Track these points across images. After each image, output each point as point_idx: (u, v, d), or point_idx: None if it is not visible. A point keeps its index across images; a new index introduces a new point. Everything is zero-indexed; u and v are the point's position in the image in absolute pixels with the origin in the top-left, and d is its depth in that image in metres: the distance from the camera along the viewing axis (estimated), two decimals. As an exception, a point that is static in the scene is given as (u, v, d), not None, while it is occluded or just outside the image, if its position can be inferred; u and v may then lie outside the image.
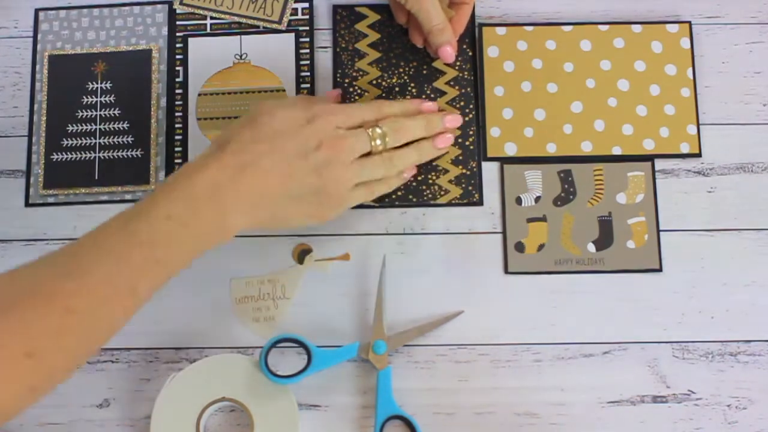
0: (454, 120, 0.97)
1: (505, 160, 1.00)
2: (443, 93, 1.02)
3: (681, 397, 0.94)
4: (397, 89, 1.03)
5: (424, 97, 1.02)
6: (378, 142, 0.89)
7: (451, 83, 1.03)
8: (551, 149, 1.00)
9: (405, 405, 0.93)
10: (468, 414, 0.93)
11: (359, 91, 1.04)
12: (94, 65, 1.05)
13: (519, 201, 0.99)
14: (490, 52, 1.04)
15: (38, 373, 0.71)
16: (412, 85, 1.03)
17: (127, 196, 1.02)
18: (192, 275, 0.96)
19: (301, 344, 0.93)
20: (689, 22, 1.04)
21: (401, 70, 1.03)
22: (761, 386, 0.95)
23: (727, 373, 0.95)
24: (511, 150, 1.01)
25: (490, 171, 1.01)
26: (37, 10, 1.07)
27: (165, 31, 1.06)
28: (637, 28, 1.04)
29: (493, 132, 1.01)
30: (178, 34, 1.06)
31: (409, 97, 1.02)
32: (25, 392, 0.71)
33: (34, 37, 1.06)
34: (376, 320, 0.94)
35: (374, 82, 1.04)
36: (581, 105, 1.01)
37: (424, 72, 1.03)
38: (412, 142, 0.93)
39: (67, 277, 0.73)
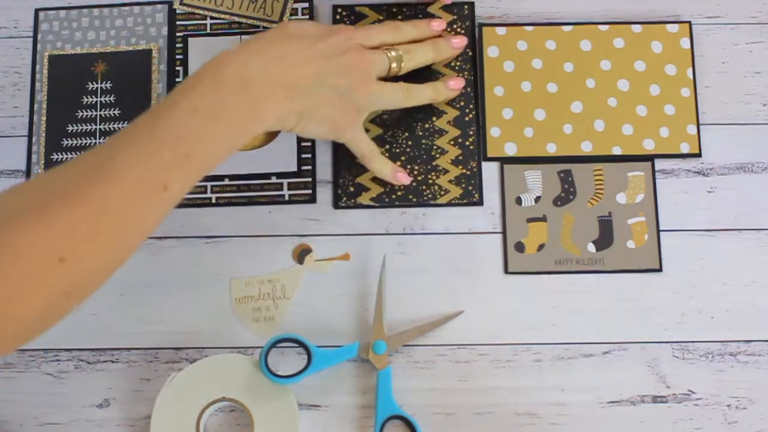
0: (460, 41, 1.01)
1: (505, 160, 1.00)
2: None
3: (681, 397, 0.94)
4: None
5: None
6: (395, 64, 0.93)
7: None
8: (551, 149, 1.00)
9: (405, 405, 0.93)
10: (468, 414, 0.93)
11: None
12: (94, 65, 1.05)
13: (519, 201, 0.99)
14: (490, 52, 1.04)
15: (73, 278, 0.70)
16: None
17: None
18: (192, 275, 0.98)
19: (301, 344, 0.93)
20: (689, 22, 1.04)
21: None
22: (761, 386, 0.94)
23: (727, 373, 0.95)
24: (511, 150, 1.01)
25: (490, 171, 1.01)
26: (37, 10, 1.07)
27: (165, 31, 1.06)
28: (637, 28, 1.04)
29: (493, 132, 1.01)
30: (178, 34, 1.06)
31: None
32: (59, 298, 0.70)
33: (34, 37, 1.06)
34: (375, 320, 0.94)
35: None
36: (581, 105, 1.01)
37: (424, 73, 1.03)
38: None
39: (99, 178, 0.72)
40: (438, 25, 1.00)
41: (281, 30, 0.87)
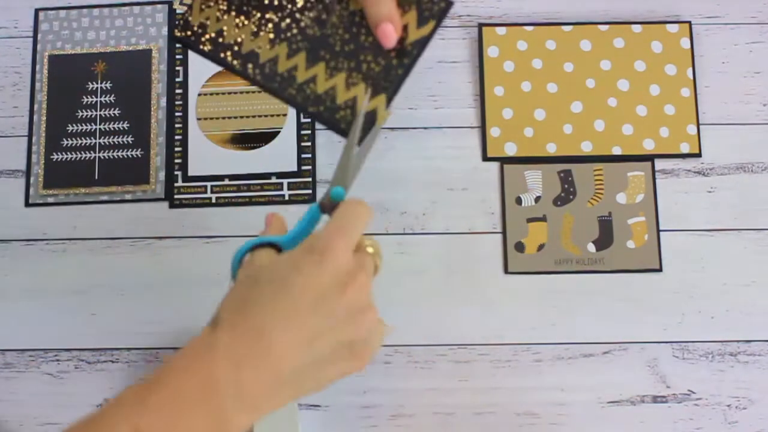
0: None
1: (505, 160, 1.01)
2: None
3: (681, 397, 0.94)
4: None
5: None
6: (378, 260, 0.75)
7: None
8: (551, 149, 1.01)
9: (405, 404, 0.94)
10: (468, 414, 0.94)
11: None
12: (94, 65, 1.05)
13: (519, 201, 0.99)
14: (490, 52, 1.04)
15: None
16: None
17: (127, 196, 1.02)
18: (192, 275, 0.98)
19: (274, 247, 0.72)
20: (689, 22, 1.04)
21: None
22: (761, 386, 0.95)
23: (727, 373, 0.95)
24: (511, 150, 1.01)
25: (490, 171, 1.01)
26: (37, 10, 1.07)
27: (165, 31, 1.06)
28: (637, 28, 1.04)
29: (493, 132, 1.01)
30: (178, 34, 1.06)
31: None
32: None
33: (34, 37, 1.06)
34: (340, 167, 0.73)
35: None
36: (581, 105, 1.02)
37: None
38: None
39: None
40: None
41: (304, 288, 0.62)
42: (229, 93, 1.04)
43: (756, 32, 1.05)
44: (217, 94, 1.04)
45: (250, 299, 0.61)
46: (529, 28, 1.04)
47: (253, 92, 1.04)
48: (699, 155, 1.01)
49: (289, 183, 1.01)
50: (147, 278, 0.99)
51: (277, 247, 0.69)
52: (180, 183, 1.02)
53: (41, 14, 1.07)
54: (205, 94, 1.04)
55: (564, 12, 1.06)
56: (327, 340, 0.64)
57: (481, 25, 1.05)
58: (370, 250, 0.72)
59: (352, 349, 0.68)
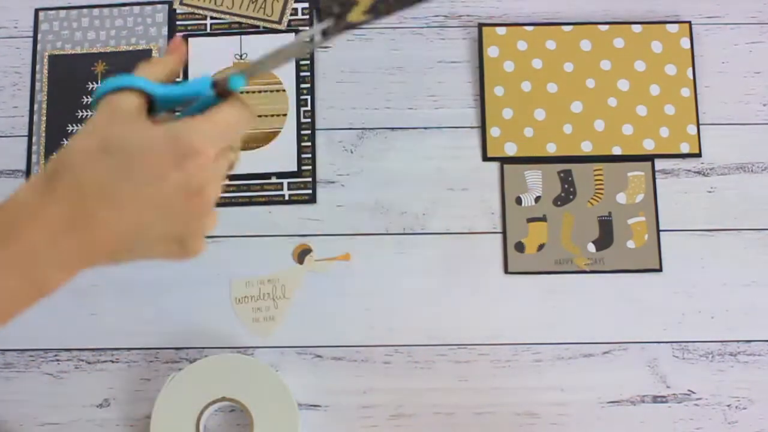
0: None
1: (505, 160, 1.01)
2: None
3: (681, 397, 0.94)
4: None
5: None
6: (234, 156, 0.66)
7: None
8: (551, 149, 1.01)
9: (405, 404, 0.94)
10: (468, 414, 0.94)
11: None
12: (94, 65, 1.05)
13: (519, 201, 0.99)
14: (490, 52, 1.04)
15: None
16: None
17: None
18: (192, 275, 0.98)
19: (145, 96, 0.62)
20: (689, 22, 1.04)
21: None
22: (761, 386, 0.95)
23: (727, 373, 0.95)
24: (511, 150, 1.01)
25: (490, 171, 1.01)
26: (37, 10, 1.07)
27: (165, 31, 1.06)
28: (637, 28, 1.04)
29: (493, 132, 1.01)
30: (178, 34, 1.06)
31: None
32: None
33: (34, 37, 1.06)
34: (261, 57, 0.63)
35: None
36: (581, 105, 1.02)
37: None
38: None
39: None
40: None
41: (104, 155, 0.57)
42: None
43: (756, 32, 1.05)
44: None
45: (91, 167, 0.57)
46: (529, 28, 1.04)
47: (252, 92, 1.04)
48: (699, 155, 1.01)
49: (289, 183, 1.01)
50: (147, 278, 0.99)
51: (147, 97, 0.61)
52: None
53: (41, 14, 1.07)
54: None
55: (564, 12, 1.06)
56: (156, 234, 0.61)
57: (481, 25, 1.05)
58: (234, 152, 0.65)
59: (182, 244, 0.63)
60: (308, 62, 1.05)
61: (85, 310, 0.98)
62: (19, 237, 0.56)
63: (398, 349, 0.95)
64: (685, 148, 1.01)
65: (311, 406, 0.94)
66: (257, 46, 1.05)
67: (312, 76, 1.05)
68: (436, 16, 1.06)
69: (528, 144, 1.01)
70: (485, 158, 1.01)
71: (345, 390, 0.95)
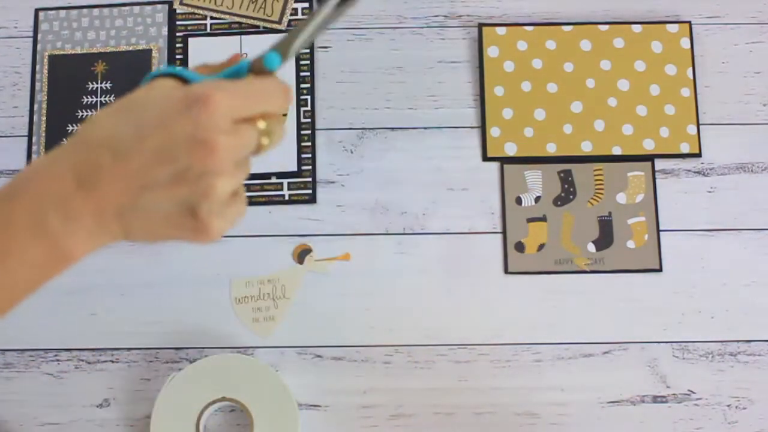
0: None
1: (505, 160, 1.01)
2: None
3: (681, 397, 0.94)
4: None
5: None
6: (265, 140, 0.62)
7: None
8: (551, 149, 1.01)
9: (405, 404, 0.94)
10: (468, 414, 0.94)
11: None
12: (94, 65, 1.05)
13: (519, 201, 0.99)
14: (490, 52, 1.04)
15: None
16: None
17: None
18: (192, 275, 0.99)
19: (179, 78, 0.61)
20: (689, 22, 1.05)
21: None
22: (761, 386, 0.95)
23: (727, 373, 0.95)
24: (511, 150, 1.01)
25: (490, 171, 1.01)
26: (37, 10, 1.07)
27: (165, 31, 1.07)
28: (637, 28, 1.04)
29: (493, 132, 1.02)
30: (178, 34, 1.07)
31: None
32: None
33: (34, 37, 1.07)
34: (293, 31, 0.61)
35: None
36: (581, 105, 1.02)
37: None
38: None
39: None
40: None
41: (121, 113, 0.57)
42: None
43: (756, 32, 1.06)
44: None
45: (101, 122, 0.57)
46: (529, 28, 1.05)
47: None
48: (699, 155, 1.01)
49: (289, 183, 1.01)
50: (147, 278, 0.99)
51: (185, 81, 0.60)
52: None
53: (41, 14, 1.07)
54: None
55: (564, 12, 1.06)
56: (162, 193, 0.57)
57: (481, 25, 1.05)
58: (261, 125, 0.61)
59: (195, 215, 0.58)
60: (308, 62, 1.05)
61: (85, 310, 0.98)
62: (32, 196, 0.55)
63: (398, 349, 0.96)
64: (685, 148, 1.01)
65: (311, 406, 0.94)
66: (257, 46, 1.05)
67: (312, 76, 1.05)
68: (436, 16, 1.07)
69: (528, 144, 1.01)
70: (485, 158, 1.01)
71: (345, 390, 0.95)
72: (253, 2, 1.06)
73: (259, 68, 0.59)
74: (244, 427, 0.94)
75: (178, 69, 0.59)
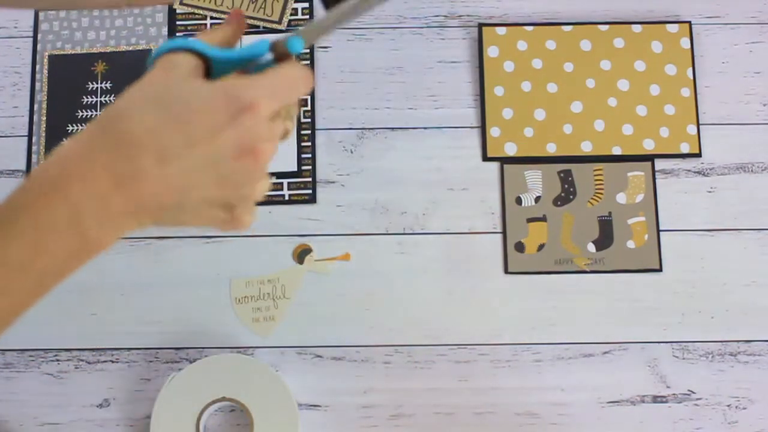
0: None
1: (505, 160, 1.01)
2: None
3: (681, 397, 0.94)
4: None
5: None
6: (289, 124, 0.66)
7: None
8: (551, 149, 1.01)
9: (405, 404, 0.94)
10: (468, 414, 0.94)
11: None
12: (94, 65, 1.05)
13: (519, 201, 0.99)
14: (490, 52, 1.04)
15: None
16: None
17: None
18: (192, 275, 0.99)
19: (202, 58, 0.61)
20: (689, 22, 1.05)
21: None
22: (761, 386, 0.95)
23: (727, 373, 0.95)
24: (511, 150, 1.01)
25: (490, 171, 1.01)
26: (37, 10, 1.07)
27: (165, 31, 1.07)
28: (637, 28, 1.04)
29: (493, 132, 1.02)
30: (178, 34, 1.07)
31: None
32: None
33: (34, 37, 1.07)
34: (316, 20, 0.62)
35: None
36: (581, 105, 1.02)
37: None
38: None
39: None
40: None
41: (160, 111, 0.55)
42: None
43: (756, 32, 1.06)
44: None
45: (141, 117, 0.55)
46: (529, 28, 1.05)
47: None
48: (699, 155, 1.01)
49: (289, 183, 1.01)
50: (147, 278, 0.99)
51: (204, 59, 0.59)
52: None
53: (41, 14, 1.07)
54: None
55: (564, 12, 1.06)
56: (205, 195, 0.58)
57: (481, 25, 1.05)
58: (285, 113, 0.63)
59: (230, 211, 0.60)
60: (308, 62, 1.05)
61: (85, 310, 0.99)
62: (67, 195, 0.54)
63: (398, 349, 0.96)
64: (685, 148, 1.01)
65: (311, 406, 0.95)
66: None
67: (312, 76, 1.04)
68: (436, 16, 1.07)
69: (528, 144, 1.01)
70: (485, 158, 1.01)
71: (345, 390, 0.95)
72: (253, 2, 1.07)
73: (280, 51, 0.59)
74: (243, 427, 0.94)
75: (191, 42, 0.57)
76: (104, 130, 0.55)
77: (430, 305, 0.97)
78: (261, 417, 0.91)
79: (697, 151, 1.01)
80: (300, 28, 0.59)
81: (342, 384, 0.95)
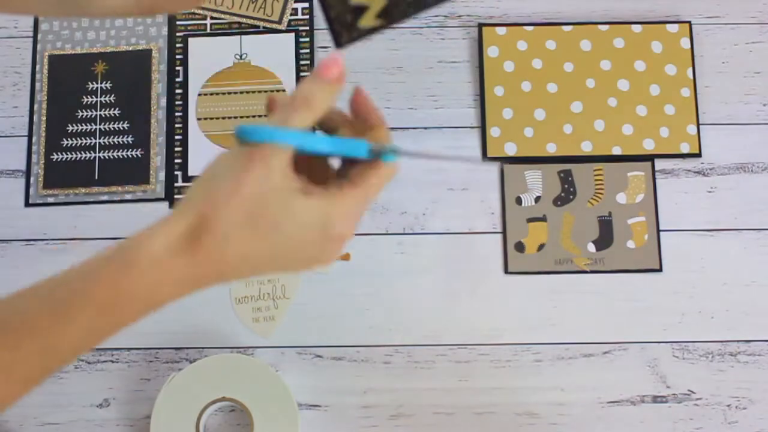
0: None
1: (505, 160, 1.01)
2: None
3: (681, 396, 0.95)
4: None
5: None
6: None
7: None
8: (551, 149, 1.01)
9: (405, 404, 0.94)
10: (468, 414, 0.94)
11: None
12: (94, 65, 1.06)
13: (519, 201, 1.00)
14: (490, 52, 1.05)
15: None
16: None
17: (128, 196, 1.03)
18: None
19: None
20: (689, 22, 1.05)
21: None
22: (761, 386, 0.95)
23: (727, 373, 0.96)
24: (511, 150, 1.01)
25: (490, 171, 1.02)
26: (37, 11, 1.08)
27: (165, 31, 1.07)
28: (637, 28, 1.05)
29: (493, 132, 1.02)
30: (178, 34, 1.07)
31: None
32: None
33: (34, 37, 1.07)
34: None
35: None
36: (581, 105, 1.02)
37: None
38: None
39: None
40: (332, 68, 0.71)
41: (252, 216, 0.56)
42: (229, 93, 1.05)
43: (756, 32, 1.06)
44: (217, 94, 1.05)
45: (236, 241, 0.55)
46: (529, 28, 1.05)
47: (252, 92, 1.04)
48: (699, 155, 1.01)
49: (289, 183, 1.01)
50: None
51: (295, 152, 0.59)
52: (180, 183, 1.03)
53: None
54: (205, 94, 1.06)
55: (564, 12, 1.07)
56: (292, 267, 0.62)
57: (481, 25, 1.05)
58: None
59: (310, 266, 0.63)
60: (308, 62, 1.05)
61: None
62: (154, 295, 0.53)
63: (398, 349, 0.96)
64: (685, 148, 1.01)
65: (311, 406, 0.95)
66: (257, 46, 1.06)
67: None
68: (436, 16, 1.07)
69: (528, 144, 1.02)
70: (485, 158, 1.02)
71: (345, 390, 0.95)
72: (253, 2, 1.07)
73: (377, 155, 0.61)
74: (244, 427, 0.94)
75: (289, 135, 0.57)
76: (197, 241, 0.54)
77: (430, 305, 0.98)
78: (261, 417, 0.91)
79: (697, 151, 1.01)
80: (402, 148, 0.61)
81: (342, 384, 0.95)
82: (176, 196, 1.02)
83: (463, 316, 0.97)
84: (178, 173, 1.03)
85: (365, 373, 0.95)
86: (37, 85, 1.06)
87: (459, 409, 0.95)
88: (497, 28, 1.05)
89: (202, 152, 1.04)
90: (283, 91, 1.04)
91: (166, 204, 1.02)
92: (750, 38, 1.06)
